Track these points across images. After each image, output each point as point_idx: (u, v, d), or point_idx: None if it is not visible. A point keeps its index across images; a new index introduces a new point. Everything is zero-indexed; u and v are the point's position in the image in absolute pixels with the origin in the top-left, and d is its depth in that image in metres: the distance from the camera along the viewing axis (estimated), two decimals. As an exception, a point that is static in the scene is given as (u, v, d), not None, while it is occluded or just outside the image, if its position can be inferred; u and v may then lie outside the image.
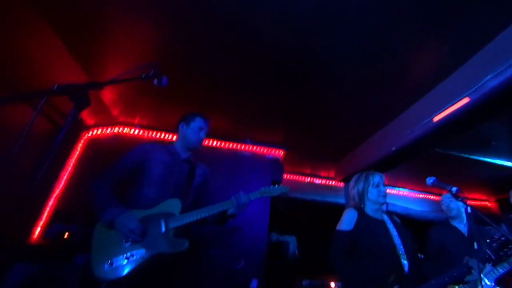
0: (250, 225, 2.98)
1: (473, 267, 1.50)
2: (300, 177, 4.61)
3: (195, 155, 1.80)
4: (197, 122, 1.72)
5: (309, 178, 4.61)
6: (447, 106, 2.15)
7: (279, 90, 2.61)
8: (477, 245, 1.54)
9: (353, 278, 1.53)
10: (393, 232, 1.64)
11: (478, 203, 5.07)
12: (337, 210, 4.28)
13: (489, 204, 5.09)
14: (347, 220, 1.68)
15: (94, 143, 3.29)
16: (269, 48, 2.11)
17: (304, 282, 3.48)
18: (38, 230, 2.70)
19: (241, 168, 3.28)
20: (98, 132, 3.32)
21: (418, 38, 1.95)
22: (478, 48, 1.96)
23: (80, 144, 3.21)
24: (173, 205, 1.44)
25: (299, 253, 4.09)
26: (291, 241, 4.19)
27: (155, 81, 1.30)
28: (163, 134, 3.43)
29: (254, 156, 3.48)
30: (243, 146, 3.50)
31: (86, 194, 1.41)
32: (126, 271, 1.21)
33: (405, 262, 1.51)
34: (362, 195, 1.77)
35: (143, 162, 1.56)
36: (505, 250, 1.53)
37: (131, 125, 3.40)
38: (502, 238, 1.50)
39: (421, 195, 4.77)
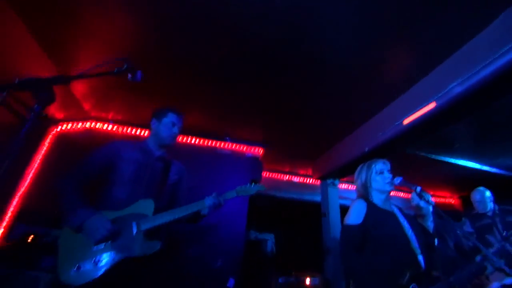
0: (228, 223, 2.97)
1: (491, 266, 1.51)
2: (279, 175, 4.67)
3: (170, 152, 1.74)
4: (170, 118, 1.66)
5: (287, 176, 4.69)
6: (416, 110, 2.28)
7: (259, 87, 2.61)
8: (437, 242, 1.63)
9: (364, 275, 1.38)
10: (405, 224, 1.52)
11: (443, 200, 5.44)
12: (314, 208, 4.45)
13: (453, 201, 5.48)
14: (356, 213, 1.53)
15: (64, 138, 3.10)
16: (249, 43, 2.09)
17: (280, 280, 3.54)
18: (0, 231, 2.52)
19: (219, 166, 3.26)
20: (68, 127, 3.14)
21: (391, 44, 2.04)
22: (446, 56, 2.09)
23: (48, 140, 3.02)
24: (146, 206, 1.40)
25: (276, 250, 4.15)
26: (269, 239, 4.24)
27: (129, 76, 1.25)
28: (138, 130, 3.31)
29: (233, 154, 3.47)
30: (222, 144, 3.48)
31: (53, 194, 1.33)
32: (94, 275, 1.16)
33: (420, 257, 1.39)
34: (366, 186, 1.66)
35: (114, 160, 1.49)
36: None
37: (104, 120, 3.25)
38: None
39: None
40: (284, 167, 4.64)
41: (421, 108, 2.23)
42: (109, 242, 1.25)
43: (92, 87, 2.75)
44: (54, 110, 2.98)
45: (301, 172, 4.74)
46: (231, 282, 2.76)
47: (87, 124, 3.19)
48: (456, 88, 1.95)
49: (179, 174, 1.69)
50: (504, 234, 1.64)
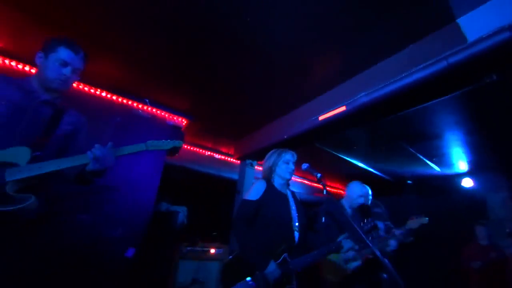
0: (136, 191, 2.74)
1: (344, 246, 1.81)
2: (201, 150, 4.58)
3: (71, 101, 1.44)
4: (60, 54, 1.29)
5: (209, 152, 4.65)
6: (330, 110, 2.56)
7: (194, 53, 2.39)
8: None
9: (249, 243, 1.62)
10: (293, 206, 1.82)
11: (337, 191, 6.50)
12: (230, 185, 4.59)
13: (344, 193, 6.61)
14: (255, 190, 1.77)
15: None
16: (191, 1, 1.86)
17: (185, 249, 3.58)
18: None
19: (134, 129, 2.91)
20: None
21: (321, 47, 2.20)
22: (362, 69, 2.40)
23: None
24: (19, 153, 1.13)
25: (188, 223, 4.14)
26: (181, 212, 4.18)
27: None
28: (27, 67, 2.58)
29: (152, 119, 3.17)
30: (140, 105, 3.11)
31: None
32: None
33: (296, 234, 1.70)
34: (272, 169, 1.89)
35: None
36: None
37: (-27, 42, 2.40)
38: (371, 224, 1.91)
39: (298, 179, 5.77)
40: (207, 143, 4.57)
41: (334, 109, 2.52)
42: None
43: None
44: None
45: (223, 150, 4.78)
46: (130, 251, 2.60)
47: None
48: (363, 97, 2.27)
49: (74, 125, 1.41)
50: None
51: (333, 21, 1.93)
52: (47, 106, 1.32)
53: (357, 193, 2.44)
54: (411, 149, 3.85)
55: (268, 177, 1.89)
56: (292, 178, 1.97)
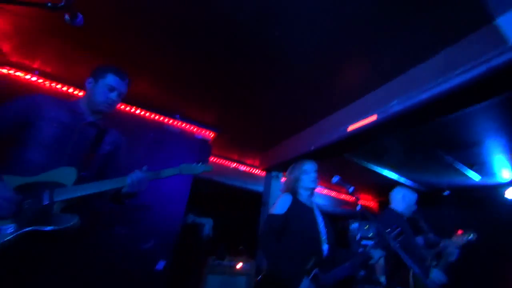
0: (166, 204, 2.82)
1: (374, 256, 1.70)
2: (227, 162, 4.64)
3: (110, 120, 1.52)
4: (108, 80, 1.40)
5: (235, 164, 4.69)
6: (359, 119, 2.49)
7: (219, 68, 2.48)
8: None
9: (277, 258, 1.58)
10: (319, 219, 1.78)
11: (365, 202, 6.23)
12: (255, 197, 4.57)
13: (372, 205, 6.31)
14: (281, 204, 1.75)
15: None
16: (219, 17, 1.94)
17: (212, 262, 3.57)
18: None
19: (166, 144, 3.04)
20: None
21: (349, 55, 2.17)
22: (393, 76, 2.32)
23: None
24: (66, 174, 1.20)
25: (214, 235, 4.16)
26: (207, 224, 4.22)
27: (66, 17, 1.03)
28: (71, 89, 2.83)
29: (182, 133, 3.28)
30: (171, 121, 3.25)
31: None
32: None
33: (325, 247, 1.66)
34: (294, 183, 1.88)
35: (32, 117, 1.23)
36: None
37: (27, 69, 2.68)
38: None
39: (325, 191, 5.59)
40: (233, 155, 4.62)
41: (365, 118, 2.45)
42: (8, 211, 1.03)
43: (16, 25, 2.22)
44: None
45: (248, 162, 4.80)
46: (160, 264, 2.65)
47: (4, 70, 2.60)
48: (396, 105, 2.19)
49: (114, 145, 1.49)
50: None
51: (361, 25, 1.89)
52: (92, 127, 1.41)
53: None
54: (447, 157, 3.61)
55: (292, 190, 1.88)
56: (318, 189, 1.92)
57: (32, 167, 1.16)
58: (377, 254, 1.74)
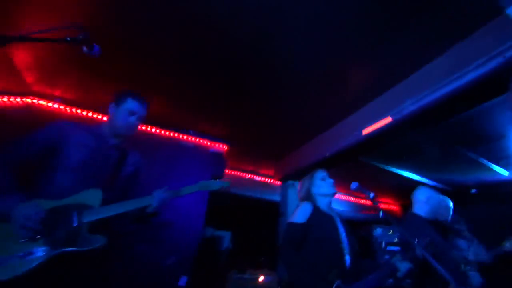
0: (185, 220, 2.85)
1: (400, 269, 1.60)
2: (241, 173, 4.65)
3: (130, 141, 1.58)
4: (129, 104, 1.46)
5: (249, 175, 4.69)
6: (374, 122, 2.45)
7: (228, 82, 2.54)
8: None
9: (298, 269, 1.53)
10: (341, 228, 1.71)
11: (386, 206, 6.00)
12: (273, 207, 4.53)
13: (395, 208, 6.07)
14: (301, 213, 1.69)
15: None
16: (221, 35, 2.01)
17: (234, 276, 3.53)
18: None
19: (181, 159, 3.11)
20: (5, 100, 2.69)
21: (357, 59, 2.16)
22: (404, 76, 2.29)
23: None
24: (93, 196, 1.25)
25: (233, 248, 4.13)
26: (226, 236, 4.20)
27: (84, 48, 1.10)
28: (90, 113, 2.98)
29: (196, 148, 3.34)
30: (185, 137, 3.32)
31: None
32: (18, 272, 0.99)
33: (347, 257, 1.58)
34: (310, 192, 1.82)
35: (59, 143, 1.30)
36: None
37: (49, 98, 2.85)
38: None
39: (344, 197, 5.45)
40: (247, 166, 4.63)
41: (379, 121, 2.41)
42: (41, 234, 1.08)
43: (38, 57, 2.39)
44: (-14, 79, 2.53)
45: (263, 172, 4.78)
46: (182, 280, 2.65)
47: (28, 100, 2.77)
48: (410, 105, 2.14)
49: (135, 166, 1.54)
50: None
51: (367, 27, 1.88)
52: (115, 150, 1.47)
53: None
54: (470, 154, 3.44)
55: (311, 200, 1.82)
56: (338, 196, 1.87)
57: (60, 190, 1.21)
58: (404, 266, 1.66)
